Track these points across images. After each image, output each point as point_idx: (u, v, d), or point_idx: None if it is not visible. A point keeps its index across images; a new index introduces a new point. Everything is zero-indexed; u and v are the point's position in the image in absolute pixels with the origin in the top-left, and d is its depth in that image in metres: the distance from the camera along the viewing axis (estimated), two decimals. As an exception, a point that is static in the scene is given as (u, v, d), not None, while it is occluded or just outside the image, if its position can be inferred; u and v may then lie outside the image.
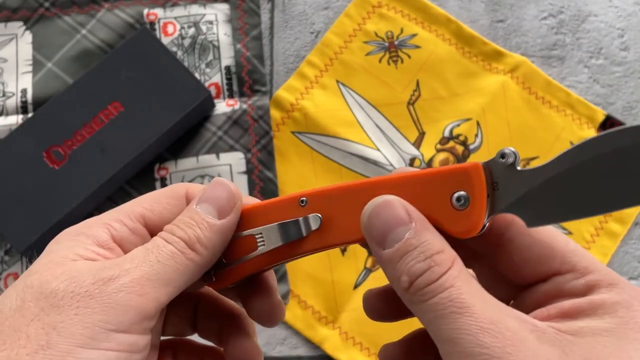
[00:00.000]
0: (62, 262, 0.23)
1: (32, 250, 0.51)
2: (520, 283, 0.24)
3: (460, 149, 0.57)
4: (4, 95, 0.56)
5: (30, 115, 0.55)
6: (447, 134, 0.57)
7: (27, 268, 0.54)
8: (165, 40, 0.58)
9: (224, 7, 0.59)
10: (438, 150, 0.57)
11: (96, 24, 0.58)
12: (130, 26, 0.58)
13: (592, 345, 0.20)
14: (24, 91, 0.56)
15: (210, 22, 0.59)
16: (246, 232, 0.26)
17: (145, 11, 0.59)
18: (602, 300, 0.21)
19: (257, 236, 0.26)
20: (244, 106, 0.57)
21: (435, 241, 0.22)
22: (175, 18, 0.59)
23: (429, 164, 0.56)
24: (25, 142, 0.51)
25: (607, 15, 0.61)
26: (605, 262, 0.54)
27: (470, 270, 0.25)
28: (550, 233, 0.24)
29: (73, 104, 0.52)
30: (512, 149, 0.22)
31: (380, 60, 0.59)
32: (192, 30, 0.59)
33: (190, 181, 0.55)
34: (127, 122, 0.52)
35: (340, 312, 0.53)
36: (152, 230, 0.26)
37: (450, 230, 0.23)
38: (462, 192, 0.23)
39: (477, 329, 0.20)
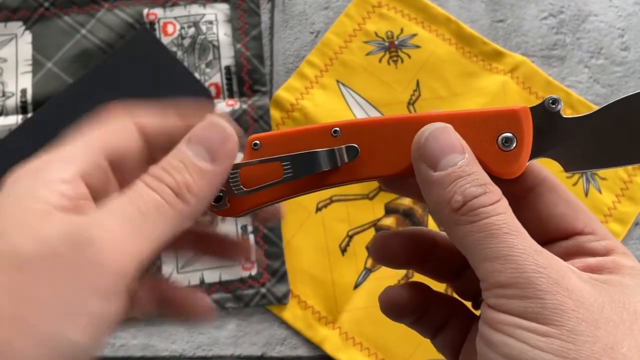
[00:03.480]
0: (28, 216, 0.20)
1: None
2: (541, 238, 0.24)
3: (460, 149, 0.57)
4: (3, 95, 0.56)
5: (30, 115, 0.55)
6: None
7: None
8: (165, 40, 0.58)
9: (224, 7, 0.59)
10: (438, 150, 0.57)
11: (96, 24, 0.58)
12: (130, 26, 0.58)
13: (623, 292, 0.21)
14: (23, 91, 0.56)
15: (210, 22, 0.59)
16: (271, 158, 0.25)
17: (145, 11, 0.59)
18: (623, 262, 0.23)
19: (284, 163, 0.24)
20: (244, 106, 0.57)
21: (485, 174, 0.23)
22: (175, 18, 0.59)
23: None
24: (25, 142, 0.51)
25: (608, 15, 0.61)
26: (605, 262, 0.54)
27: None
28: (575, 198, 0.25)
29: (73, 104, 0.52)
30: (559, 97, 0.24)
31: (380, 60, 0.59)
32: (192, 30, 0.58)
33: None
34: (127, 122, 0.52)
35: (340, 312, 0.53)
36: (113, 162, 0.23)
37: (493, 169, 0.23)
38: (509, 134, 0.23)
39: (532, 250, 0.21)
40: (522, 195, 0.25)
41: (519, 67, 0.58)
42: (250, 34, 0.59)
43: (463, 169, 0.22)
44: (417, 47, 0.59)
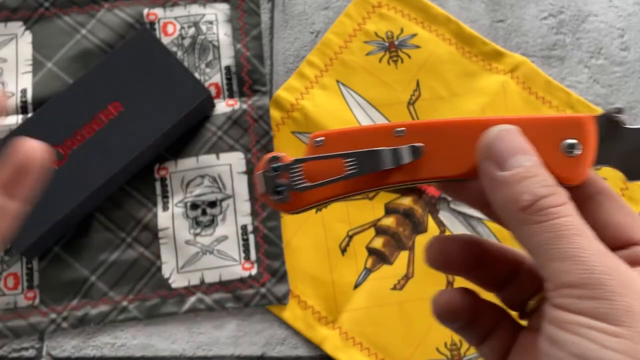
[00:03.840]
0: None
1: (31, 250, 0.51)
2: None
3: (460, 149, 0.57)
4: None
5: (30, 115, 0.55)
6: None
7: (27, 268, 0.55)
8: (165, 40, 0.58)
9: (224, 7, 0.59)
10: (438, 150, 0.57)
11: (96, 24, 0.58)
12: (130, 26, 0.58)
13: None
14: (23, 91, 0.56)
15: (210, 22, 0.59)
16: (334, 154, 0.25)
17: (145, 11, 0.59)
18: None
19: (347, 160, 0.25)
20: (244, 106, 0.57)
21: (551, 177, 0.23)
22: (175, 18, 0.59)
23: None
24: (25, 142, 0.51)
25: (607, 15, 0.61)
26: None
27: None
28: (632, 209, 0.25)
29: (73, 104, 0.52)
30: (623, 107, 0.25)
31: (380, 60, 0.59)
32: (192, 30, 0.58)
33: (191, 181, 0.55)
34: (127, 122, 0.52)
35: (340, 312, 0.53)
36: None
37: (557, 173, 0.23)
38: (573, 140, 0.24)
39: (601, 253, 0.21)
40: (581, 202, 0.25)
41: (519, 67, 0.58)
42: (251, 34, 0.59)
43: (530, 169, 0.23)
44: (417, 47, 0.59)
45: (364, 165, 0.25)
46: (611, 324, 0.20)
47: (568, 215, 0.22)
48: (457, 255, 0.28)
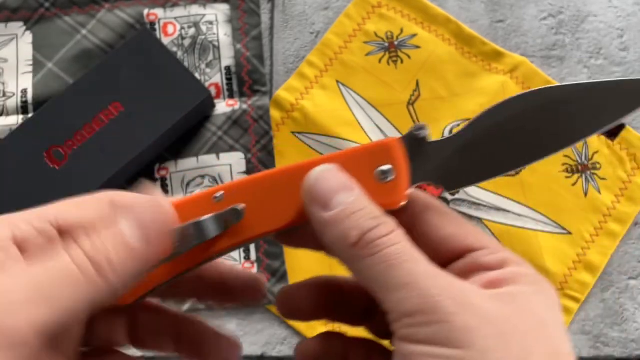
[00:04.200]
0: None
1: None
2: (438, 262, 0.25)
3: (460, 149, 0.57)
4: (4, 95, 0.56)
5: (30, 115, 0.55)
6: (447, 134, 0.57)
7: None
8: (165, 41, 0.58)
9: (224, 8, 0.59)
10: (438, 151, 0.57)
11: (96, 25, 0.58)
12: (130, 26, 0.58)
13: (525, 300, 0.22)
14: (24, 91, 0.56)
15: (211, 23, 0.59)
16: None
17: (146, 11, 0.59)
18: (519, 271, 0.23)
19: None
20: (244, 106, 0.57)
21: (376, 208, 0.23)
22: (175, 18, 0.59)
23: (429, 164, 0.56)
24: (25, 142, 0.51)
25: (607, 15, 0.61)
26: (604, 262, 0.54)
27: None
28: (462, 218, 0.25)
29: (73, 104, 0.53)
30: (425, 124, 0.25)
31: (380, 61, 0.59)
32: (192, 31, 0.59)
33: (191, 181, 0.55)
34: (127, 122, 0.52)
35: (340, 312, 0.53)
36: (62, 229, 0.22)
37: (377, 201, 0.23)
38: (385, 166, 0.24)
39: (433, 274, 0.21)
40: (412, 223, 0.25)
41: (519, 67, 0.59)
42: (251, 35, 0.59)
43: (354, 205, 0.22)
44: (417, 47, 0.59)
45: (184, 242, 0.23)
46: (453, 347, 0.20)
47: (397, 243, 0.22)
48: (308, 302, 0.28)
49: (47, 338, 0.18)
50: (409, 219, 0.25)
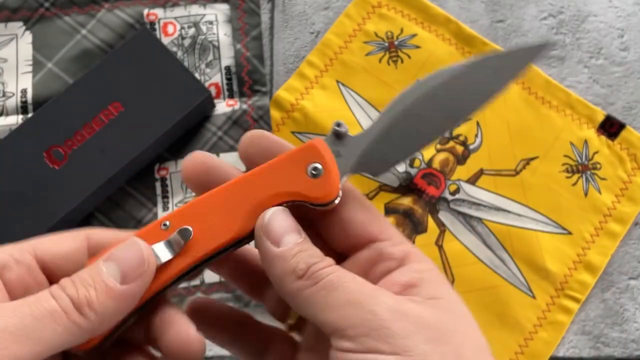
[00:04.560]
0: None
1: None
2: (346, 244, 0.28)
3: (460, 149, 0.57)
4: (4, 95, 0.56)
5: (30, 115, 0.55)
6: (447, 134, 0.57)
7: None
8: (165, 41, 0.58)
9: (224, 8, 0.59)
10: (438, 151, 0.57)
11: (96, 24, 0.58)
12: (130, 26, 0.58)
13: (449, 301, 0.24)
14: (24, 91, 0.56)
15: (211, 23, 0.59)
16: None
17: (145, 11, 0.59)
18: (422, 268, 0.26)
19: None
20: (244, 106, 0.57)
21: (317, 249, 0.26)
22: (175, 18, 0.59)
23: (429, 164, 0.56)
24: (25, 142, 0.51)
25: (607, 15, 0.61)
26: (605, 262, 0.54)
27: None
28: (374, 208, 0.28)
29: (73, 104, 0.53)
30: (342, 121, 0.28)
31: (380, 61, 0.59)
32: (192, 31, 0.59)
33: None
34: (127, 122, 0.52)
35: (340, 312, 0.53)
36: (50, 271, 0.24)
37: (311, 196, 0.26)
38: (315, 164, 0.27)
39: (371, 290, 0.24)
40: (320, 218, 0.28)
41: (519, 67, 0.58)
42: (251, 34, 0.59)
43: (302, 244, 0.25)
44: (417, 47, 0.59)
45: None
46: (393, 354, 0.22)
47: (336, 271, 0.24)
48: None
49: None
50: (321, 212, 0.27)
